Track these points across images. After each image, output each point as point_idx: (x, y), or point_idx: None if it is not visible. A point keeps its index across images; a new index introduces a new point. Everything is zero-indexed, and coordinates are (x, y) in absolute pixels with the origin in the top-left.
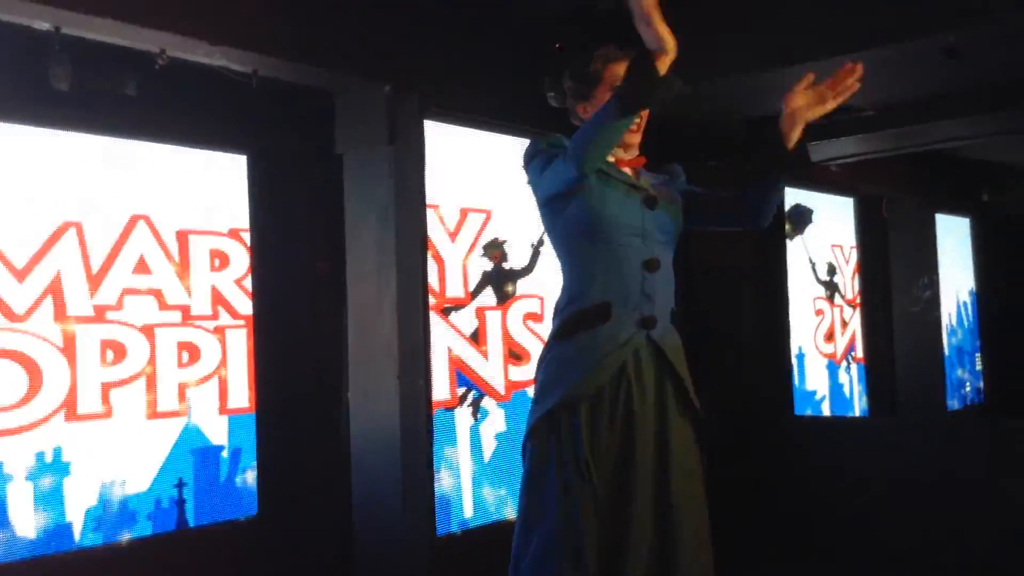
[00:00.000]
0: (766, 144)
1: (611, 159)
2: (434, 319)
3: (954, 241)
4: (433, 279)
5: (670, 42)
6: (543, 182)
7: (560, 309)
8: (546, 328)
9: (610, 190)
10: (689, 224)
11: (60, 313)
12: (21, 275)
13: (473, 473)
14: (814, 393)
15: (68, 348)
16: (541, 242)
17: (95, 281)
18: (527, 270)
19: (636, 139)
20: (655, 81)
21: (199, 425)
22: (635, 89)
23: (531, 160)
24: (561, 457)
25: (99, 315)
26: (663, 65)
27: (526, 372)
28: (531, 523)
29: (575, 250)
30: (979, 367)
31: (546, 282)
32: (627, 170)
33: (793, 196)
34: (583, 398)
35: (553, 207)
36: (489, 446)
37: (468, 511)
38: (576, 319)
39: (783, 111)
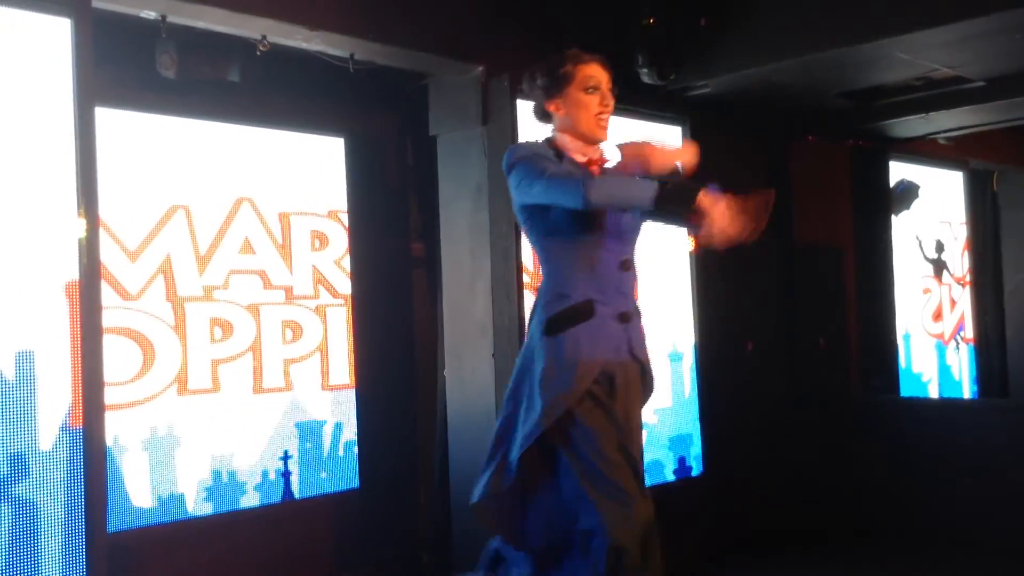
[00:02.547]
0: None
1: (582, 159)
2: (528, 298)
3: None
4: (527, 258)
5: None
6: (533, 192)
7: (545, 304)
8: None
9: None
10: None
11: (171, 292)
12: (134, 256)
13: None
14: (920, 375)
15: (179, 326)
16: None
17: (203, 261)
18: None
19: (606, 135)
20: (689, 211)
21: (303, 400)
22: (673, 206)
23: (513, 167)
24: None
25: (207, 294)
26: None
27: None
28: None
29: (557, 250)
30: None
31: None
32: (595, 169)
33: (900, 170)
34: (581, 393)
35: (533, 210)
36: None
37: None
38: (564, 316)
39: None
